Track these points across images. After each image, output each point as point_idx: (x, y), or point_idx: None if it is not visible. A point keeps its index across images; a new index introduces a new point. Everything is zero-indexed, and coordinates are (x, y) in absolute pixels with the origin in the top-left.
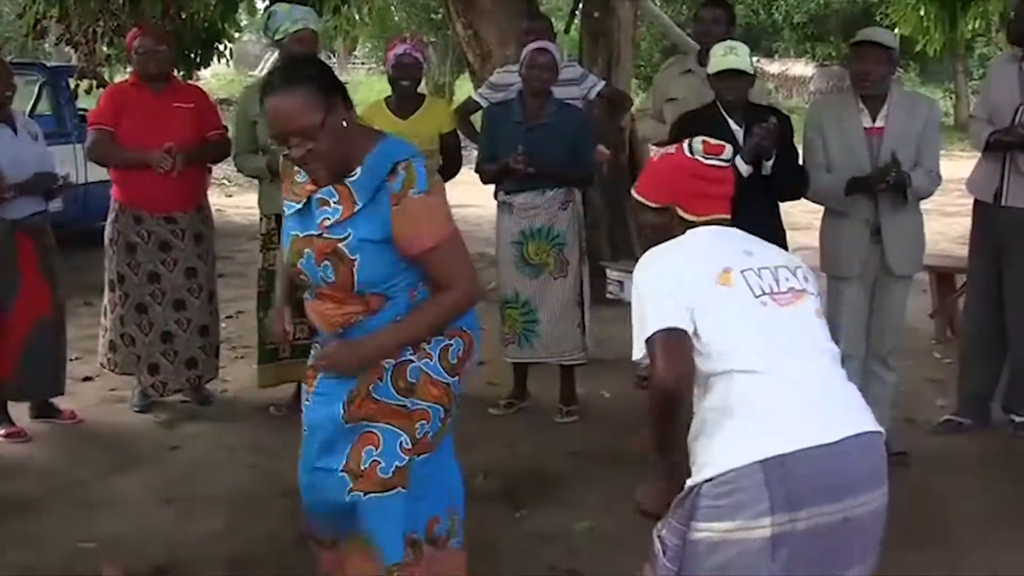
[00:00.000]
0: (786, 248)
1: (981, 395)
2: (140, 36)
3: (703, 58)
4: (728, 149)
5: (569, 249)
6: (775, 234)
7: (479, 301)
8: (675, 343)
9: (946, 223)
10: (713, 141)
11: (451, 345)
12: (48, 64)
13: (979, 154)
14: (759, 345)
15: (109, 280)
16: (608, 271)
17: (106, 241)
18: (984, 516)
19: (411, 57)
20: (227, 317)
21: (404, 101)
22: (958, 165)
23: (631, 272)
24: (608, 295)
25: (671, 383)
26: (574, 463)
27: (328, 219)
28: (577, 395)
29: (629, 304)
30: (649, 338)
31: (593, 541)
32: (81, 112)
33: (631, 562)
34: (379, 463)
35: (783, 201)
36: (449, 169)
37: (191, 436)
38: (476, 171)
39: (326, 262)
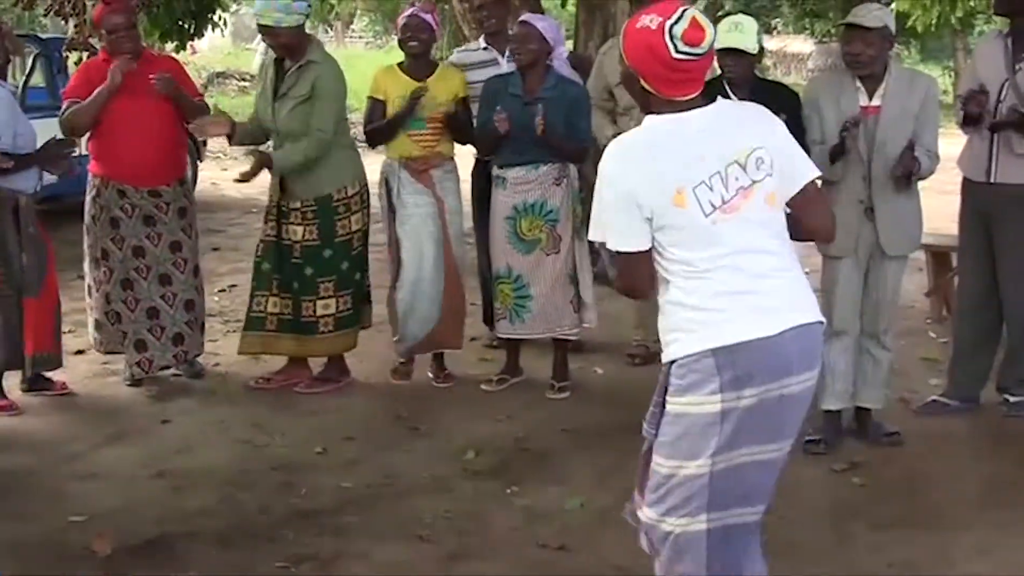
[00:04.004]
0: None
1: (972, 376)
2: (107, 14)
3: None
4: (708, 36)
5: (562, 225)
6: None
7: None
8: (634, 263)
9: (943, 201)
10: (700, 21)
11: None
12: (42, 36)
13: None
14: (709, 254)
15: (94, 258)
16: (601, 248)
17: (88, 218)
18: (977, 496)
19: (416, 18)
20: (220, 291)
21: (417, 66)
22: (957, 143)
23: None
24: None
25: (628, 292)
26: (566, 439)
27: None
28: (569, 371)
29: None
30: (619, 252)
31: (584, 518)
32: None
33: (622, 539)
34: None
35: None
36: (463, 135)
37: (183, 410)
38: (473, 143)
39: None
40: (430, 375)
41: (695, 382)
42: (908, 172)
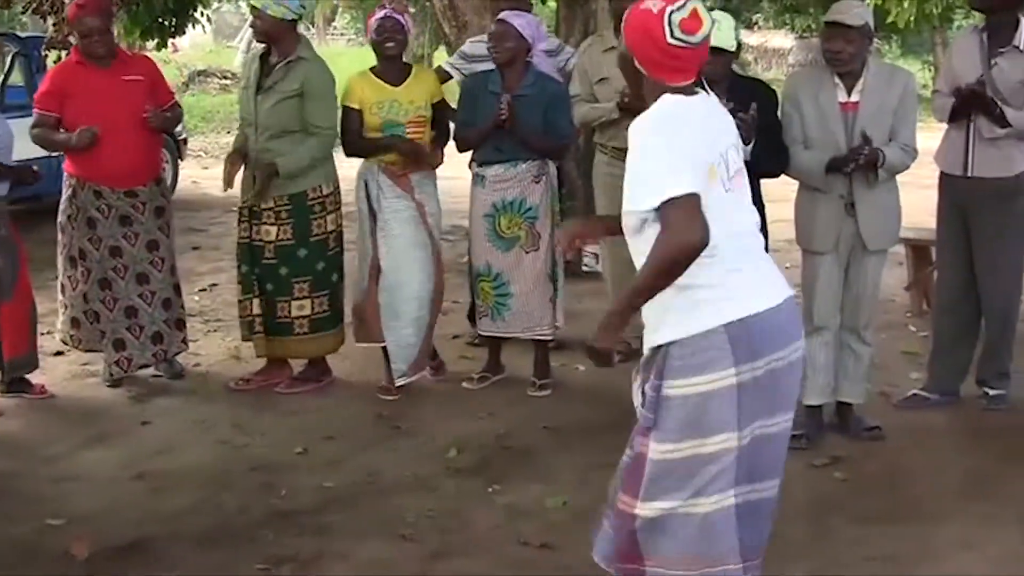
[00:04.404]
0: (765, 224)
1: (952, 370)
2: (82, 16)
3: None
4: (704, 28)
5: (541, 223)
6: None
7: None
8: (695, 208)
9: (923, 195)
10: (700, 13)
11: None
12: (21, 34)
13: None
14: (720, 230)
15: (70, 257)
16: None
17: (63, 218)
18: (958, 490)
19: (392, 19)
20: (200, 290)
21: (391, 68)
22: (936, 137)
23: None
24: (584, 268)
25: (700, 243)
26: (548, 437)
27: None
28: (551, 369)
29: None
30: (674, 199)
31: (566, 516)
32: None
33: None
34: None
35: (763, 178)
36: (442, 138)
37: (162, 411)
38: (454, 138)
39: None
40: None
41: (709, 359)
42: (872, 163)
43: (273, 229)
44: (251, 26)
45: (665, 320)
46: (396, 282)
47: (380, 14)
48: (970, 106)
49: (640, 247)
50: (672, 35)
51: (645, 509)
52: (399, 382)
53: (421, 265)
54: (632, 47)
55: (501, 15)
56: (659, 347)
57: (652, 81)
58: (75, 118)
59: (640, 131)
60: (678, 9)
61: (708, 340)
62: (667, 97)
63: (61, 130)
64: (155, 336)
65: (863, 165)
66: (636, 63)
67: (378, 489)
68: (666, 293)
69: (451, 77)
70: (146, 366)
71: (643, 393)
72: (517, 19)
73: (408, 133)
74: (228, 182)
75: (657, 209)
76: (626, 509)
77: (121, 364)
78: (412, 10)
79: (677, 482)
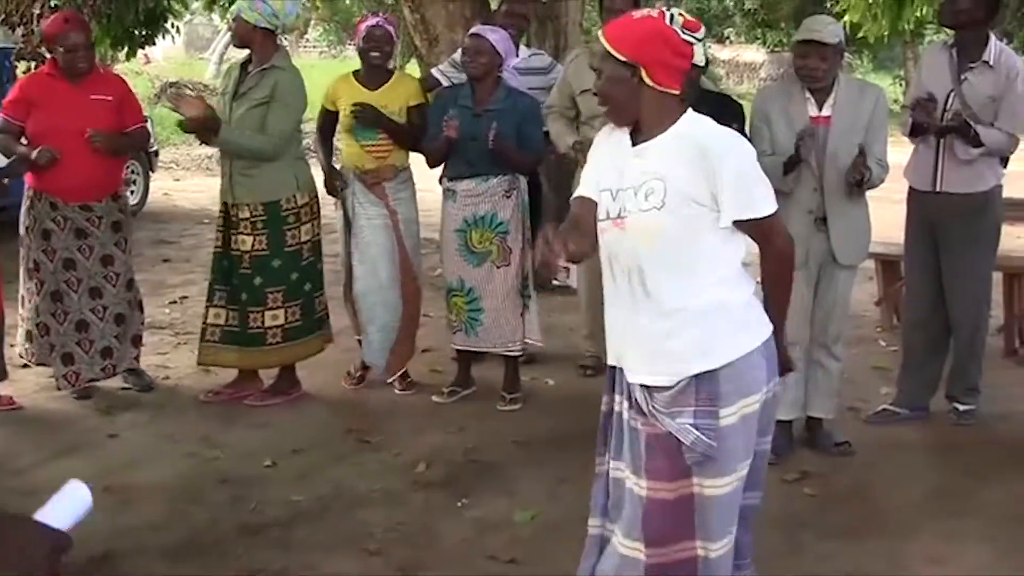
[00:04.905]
0: None
1: (922, 385)
2: (66, 31)
3: None
4: (701, 27)
5: (512, 237)
6: None
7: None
8: None
9: (893, 210)
10: (690, 17)
11: None
12: None
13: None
14: (745, 252)
15: (27, 269)
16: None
17: (22, 229)
18: (927, 505)
19: (382, 29)
20: (170, 303)
21: (373, 74)
22: (907, 152)
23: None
24: (555, 282)
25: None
26: (517, 451)
27: None
28: (521, 383)
29: (575, 291)
30: (773, 214)
31: (535, 530)
32: None
33: (573, 551)
34: None
35: None
36: (415, 139)
37: (131, 423)
38: (423, 153)
39: None
40: (393, 382)
41: (753, 380)
42: (860, 178)
43: (248, 239)
44: (229, 30)
45: (712, 345)
46: (367, 287)
47: (371, 22)
48: (948, 131)
49: (676, 252)
50: (683, 32)
51: (718, 548)
52: (383, 377)
53: (390, 273)
54: (638, 55)
55: (475, 29)
56: (701, 374)
57: (656, 94)
58: (37, 128)
59: (725, 141)
60: (671, 11)
61: (751, 360)
62: (693, 114)
63: (23, 139)
64: (105, 351)
65: (858, 182)
66: (641, 76)
67: (346, 503)
68: (711, 315)
69: (440, 84)
70: (95, 380)
71: (693, 427)
72: (492, 34)
73: (380, 139)
74: (172, 107)
75: (757, 220)
76: (687, 555)
77: (69, 378)
78: None
79: (729, 519)
